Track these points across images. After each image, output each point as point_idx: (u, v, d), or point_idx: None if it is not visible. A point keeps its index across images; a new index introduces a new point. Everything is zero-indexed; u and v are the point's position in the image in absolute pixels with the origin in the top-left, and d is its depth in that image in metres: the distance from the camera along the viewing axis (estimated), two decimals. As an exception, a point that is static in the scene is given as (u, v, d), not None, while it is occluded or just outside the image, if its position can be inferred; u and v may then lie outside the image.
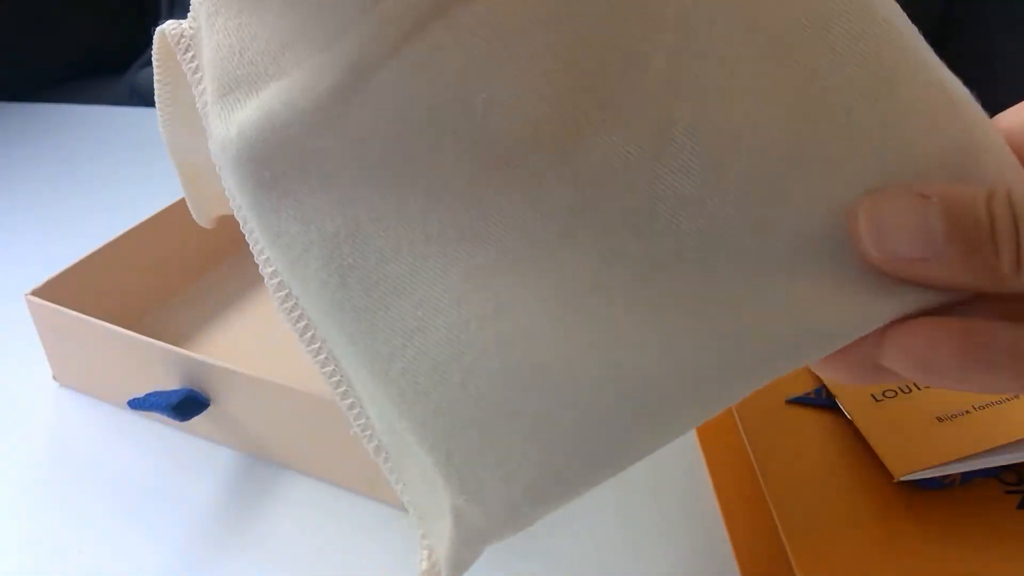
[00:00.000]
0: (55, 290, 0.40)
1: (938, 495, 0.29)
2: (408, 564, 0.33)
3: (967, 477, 0.29)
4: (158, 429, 0.39)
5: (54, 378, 0.42)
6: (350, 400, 0.21)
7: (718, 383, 0.18)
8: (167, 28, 0.23)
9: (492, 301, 0.18)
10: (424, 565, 0.21)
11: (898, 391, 0.32)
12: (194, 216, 0.32)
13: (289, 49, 0.19)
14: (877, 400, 0.31)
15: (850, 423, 0.31)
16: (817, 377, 0.34)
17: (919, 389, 0.31)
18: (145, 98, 0.72)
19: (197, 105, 0.22)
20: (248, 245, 0.22)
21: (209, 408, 0.37)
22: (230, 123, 0.20)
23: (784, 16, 0.18)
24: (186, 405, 0.35)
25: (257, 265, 0.22)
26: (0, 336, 0.45)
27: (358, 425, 0.21)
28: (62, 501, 0.36)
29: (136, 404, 0.36)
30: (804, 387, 0.34)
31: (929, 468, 0.28)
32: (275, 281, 0.21)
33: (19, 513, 0.36)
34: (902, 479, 0.29)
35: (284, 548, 0.34)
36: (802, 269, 0.18)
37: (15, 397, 0.41)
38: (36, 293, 0.39)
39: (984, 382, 0.18)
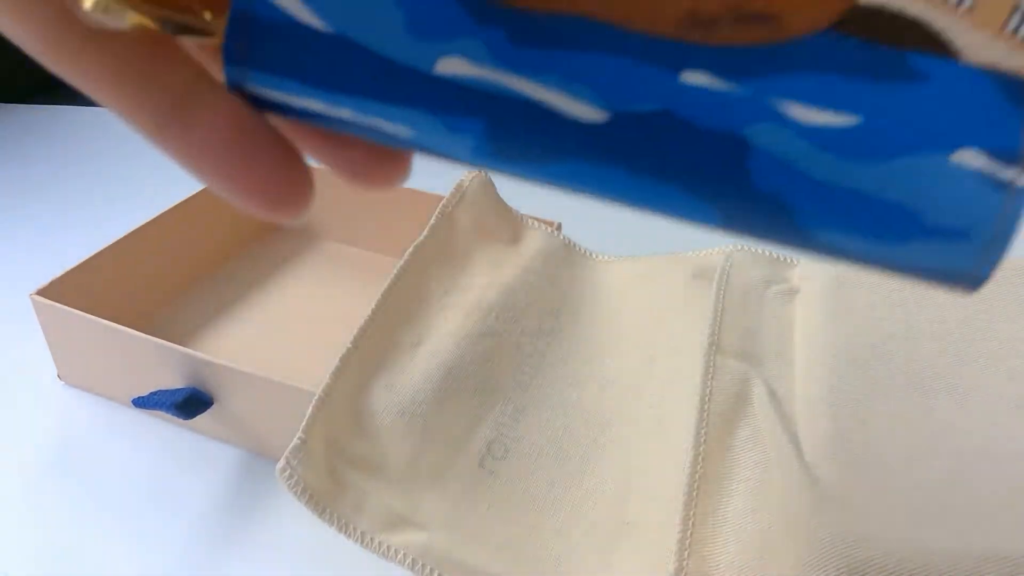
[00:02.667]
0: (60, 290, 0.40)
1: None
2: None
3: None
4: (162, 427, 0.40)
5: (59, 377, 0.43)
6: None
7: None
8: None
9: None
10: None
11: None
12: None
13: None
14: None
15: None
16: None
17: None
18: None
19: None
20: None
21: (213, 407, 0.37)
22: None
23: None
24: (190, 403, 0.36)
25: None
26: (5, 335, 0.45)
27: None
28: (66, 499, 0.36)
29: (140, 403, 0.36)
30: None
31: None
32: None
33: (24, 511, 0.36)
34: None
35: (288, 545, 0.34)
36: None
37: (20, 396, 0.42)
38: (41, 293, 0.39)
39: None
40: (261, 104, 0.16)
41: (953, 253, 0.13)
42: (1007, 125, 0.12)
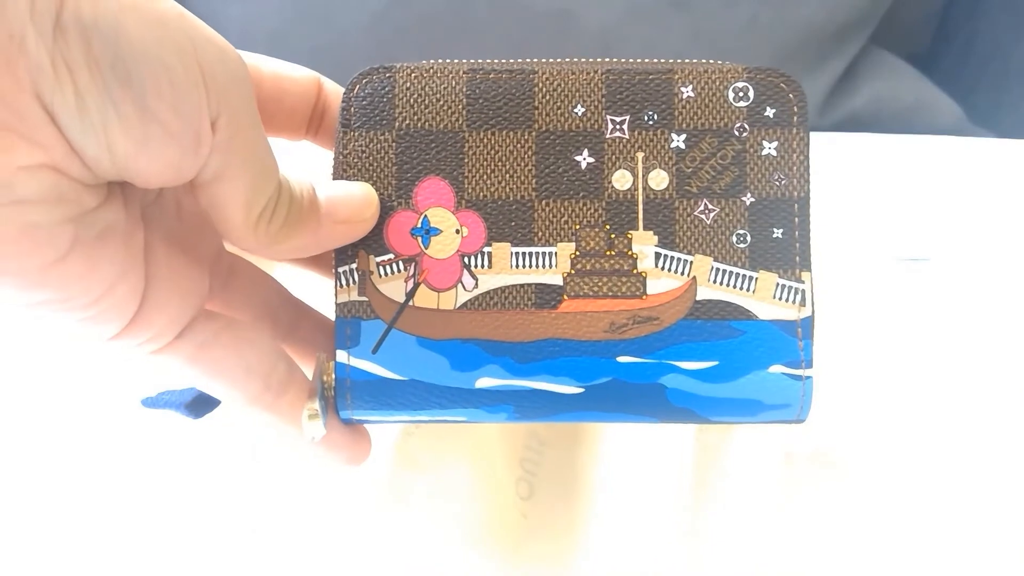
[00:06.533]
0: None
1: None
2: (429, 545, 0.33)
3: None
4: (171, 425, 0.40)
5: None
6: None
7: None
8: None
9: None
10: None
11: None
12: None
13: None
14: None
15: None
16: None
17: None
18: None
19: None
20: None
21: (221, 405, 0.37)
22: None
23: None
24: (199, 403, 0.35)
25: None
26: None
27: None
28: (75, 499, 0.36)
29: (149, 403, 0.36)
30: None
31: None
32: None
33: (38, 513, 0.36)
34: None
35: (301, 538, 0.34)
36: None
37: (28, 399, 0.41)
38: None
39: None
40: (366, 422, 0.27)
41: (785, 414, 0.25)
42: (790, 346, 0.24)
